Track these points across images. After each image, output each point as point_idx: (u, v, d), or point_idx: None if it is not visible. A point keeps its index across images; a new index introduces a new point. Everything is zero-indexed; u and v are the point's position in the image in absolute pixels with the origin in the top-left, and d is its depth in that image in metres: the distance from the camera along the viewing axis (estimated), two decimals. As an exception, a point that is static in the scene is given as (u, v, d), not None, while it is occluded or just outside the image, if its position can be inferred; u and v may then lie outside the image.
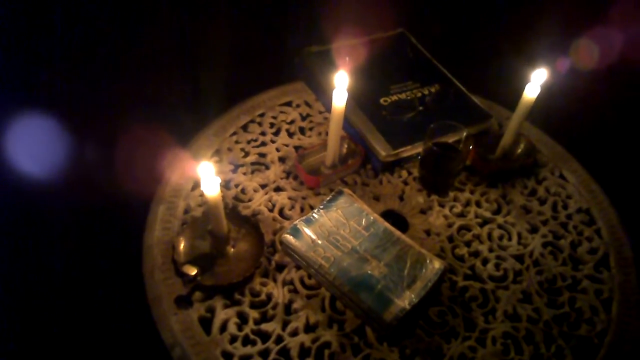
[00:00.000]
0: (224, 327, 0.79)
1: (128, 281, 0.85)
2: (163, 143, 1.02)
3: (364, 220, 0.88)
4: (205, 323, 0.79)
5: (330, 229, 0.86)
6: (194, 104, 1.49)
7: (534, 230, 0.95)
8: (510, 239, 0.93)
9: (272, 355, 0.76)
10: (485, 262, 0.90)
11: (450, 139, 0.95)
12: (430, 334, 0.80)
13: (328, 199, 0.90)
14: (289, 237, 0.85)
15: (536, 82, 0.89)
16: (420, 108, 1.06)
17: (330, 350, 0.77)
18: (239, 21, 1.76)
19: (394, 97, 1.07)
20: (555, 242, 0.94)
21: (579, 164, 1.07)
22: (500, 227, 0.94)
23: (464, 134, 0.92)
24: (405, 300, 0.79)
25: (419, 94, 1.08)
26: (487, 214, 0.96)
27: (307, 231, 0.85)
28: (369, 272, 0.81)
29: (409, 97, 1.07)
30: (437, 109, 1.06)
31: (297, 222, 0.87)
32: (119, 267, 0.89)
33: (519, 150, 1.02)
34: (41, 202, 1.30)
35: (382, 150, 0.98)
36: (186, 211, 0.91)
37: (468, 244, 0.92)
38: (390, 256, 0.84)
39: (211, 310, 0.80)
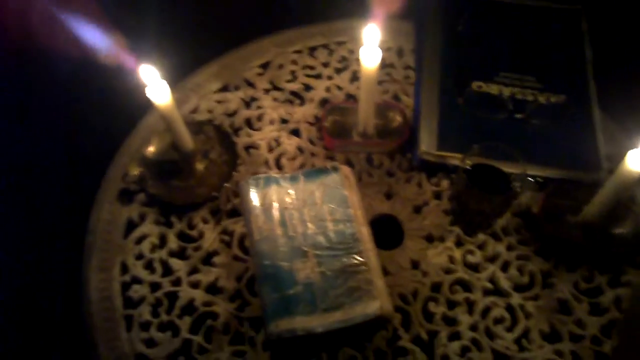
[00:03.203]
0: (140, 240, 0.74)
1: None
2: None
3: (339, 212, 0.71)
4: (131, 226, 0.76)
5: (294, 202, 0.71)
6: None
7: (551, 337, 0.67)
8: (509, 330, 0.67)
9: (158, 293, 0.70)
10: (453, 337, 0.67)
11: (514, 168, 0.68)
12: (325, 372, 0.65)
13: (318, 168, 0.74)
14: (245, 186, 0.72)
15: (644, 151, 0.57)
16: (518, 115, 0.78)
17: (213, 323, 0.68)
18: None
19: (493, 88, 0.80)
20: (569, 370, 0.65)
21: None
22: (508, 308, 0.68)
23: (521, 171, 0.65)
24: (307, 323, 0.63)
25: (531, 98, 0.79)
26: (506, 285, 0.70)
27: (271, 190, 0.72)
28: (293, 269, 0.67)
29: (511, 95, 0.79)
30: (538, 126, 0.77)
31: (268, 175, 0.73)
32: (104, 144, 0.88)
33: (617, 230, 0.70)
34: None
35: (424, 144, 0.76)
36: (194, 110, 0.85)
37: (451, 305, 0.69)
38: (335, 266, 0.67)
39: (143, 217, 0.76)
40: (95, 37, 1.12)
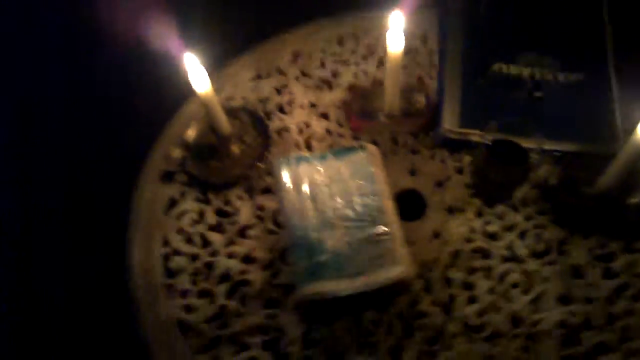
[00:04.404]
0: (180, 216, 0.80)
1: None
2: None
3: (366, 187, 0.75)
4: (171, 204, 0.82)
5: (323, 178, 0.76)
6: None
7: (564, 300, 0.70)
8: (525, 292, 0.70)
9: (198, 263, 0.76)
10: (471, 300, 0.70)
11: (531, 142, 0.71)
12: (350, 332, 0.69)
13: (346, 147, 0.79)
14: (278, 165, 0.77)
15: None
16: (537, 94, 0.80)
17: (248, 289, 0.73)
18: None
19: (513, 69, 0.83)
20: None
21: None
22: (524, 273, 0.72)
23: (538, 145, 0.68)
24: (332, 286, 0.68)
25: (550, 77, 0.82)
26: (523, 252, 0.73)
27: (302, 168, 0.77)
28: (322, 239, 0.71)
29: (531, 75, 0.82)
30: (557, 103, 0.80)
31: (299, 155, 0.78)
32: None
33: (631, 200, 0.72)
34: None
35: (446, 122, 0.79)
36: (230, 98, 0.91)
37: (471, 271, 0.72)
38: (361, 236, 0.71)
39: (183, 195, 0.82)
40: (149, 24, 1.21)
